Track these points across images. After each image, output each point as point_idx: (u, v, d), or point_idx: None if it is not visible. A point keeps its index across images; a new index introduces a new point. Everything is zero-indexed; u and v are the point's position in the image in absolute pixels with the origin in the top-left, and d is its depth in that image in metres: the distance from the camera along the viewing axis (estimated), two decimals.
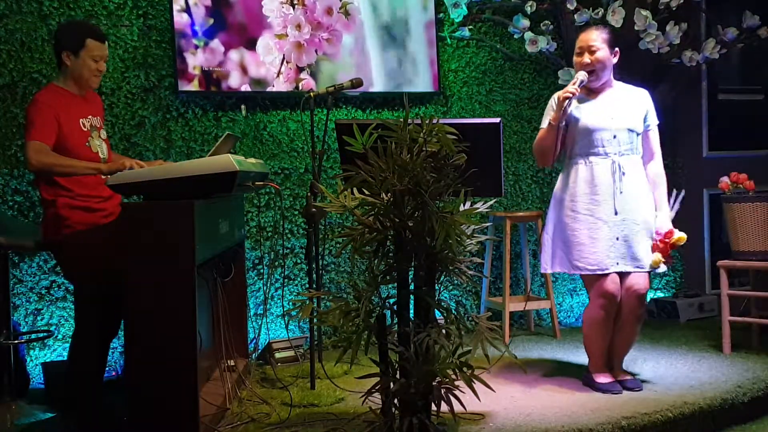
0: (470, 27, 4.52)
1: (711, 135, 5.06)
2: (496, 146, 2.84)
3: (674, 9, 4.41)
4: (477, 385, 2.38)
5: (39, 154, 2.87)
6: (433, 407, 2.42)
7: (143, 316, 2.60)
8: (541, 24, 4.40)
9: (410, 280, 2.52)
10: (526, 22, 4.38)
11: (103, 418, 2.93)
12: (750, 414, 3.18)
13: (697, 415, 2.99)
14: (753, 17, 4.61)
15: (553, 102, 3.27)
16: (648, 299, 4.81)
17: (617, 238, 3.15)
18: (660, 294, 5.01)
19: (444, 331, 2.43)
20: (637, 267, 3.17)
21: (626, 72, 4.54)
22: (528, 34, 4.36)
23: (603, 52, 3.16)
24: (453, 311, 2.51)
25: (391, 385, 2.44)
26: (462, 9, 4.36)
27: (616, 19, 4.22)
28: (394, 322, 2.52)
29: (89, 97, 3.18)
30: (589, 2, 4.36)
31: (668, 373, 3.49)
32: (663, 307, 4.84)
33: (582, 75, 3.15)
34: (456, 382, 2.41)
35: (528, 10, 4.37)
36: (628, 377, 3.30)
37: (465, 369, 2.38)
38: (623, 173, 3.17)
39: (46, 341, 3.70)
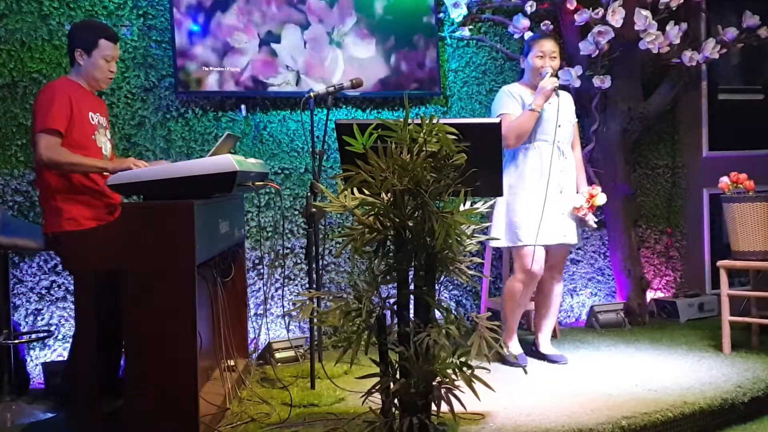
0: (470, 27, 4.52)
1: (711, 135, 5.05)
2: (496, 146, 2.84)
3: (674, 9, 4.41)
4: (477, 385, 2.38)
5: (49, 151, 2.91)
6: (433, 407, 2.43)
7: (143, 315, 2.60)
8: (541, 24, 4.40)
9: (410, 280, 2.52)
10: (526, 22, 4.38)
11: (103, 417, 2.93)
12: (750, 414, 3.18)
13: (697, 415, 2.99)
14: (753, 17, 4.61)
15: (509, 93, 3.70)
16: (648, 299, 4.84)
17: (562, 213, 3.64)
18: (660, 294, 5.00)
19: (444, 331, 2.43)
20: (567, 240, 3.67)
21: (626, 72, 4.57)
22: (528, 34, 4.36)
23: (557, 61, 3.74)
24: (453, 311, 2.51)
25: (391, 385, 2.45)
26: (462, 9, 4.36)
27: (616, 19, 4.22)
28: (394, 322, 2.52)
29: (97, 98, 3.27)
30: (589, 2, 4.36)
31: (668, 373, 3.49)
32: (663, 307, 4.84)
33: (550, 70, 3.66)
34: (456, 382, 2.41)
35: (528, 10, 4.37)
36: (556, 353, 3.79)
37: (465, 369, 2.38)
38: (565, 156, 3.70)
39: (46, 341, 3.70)
